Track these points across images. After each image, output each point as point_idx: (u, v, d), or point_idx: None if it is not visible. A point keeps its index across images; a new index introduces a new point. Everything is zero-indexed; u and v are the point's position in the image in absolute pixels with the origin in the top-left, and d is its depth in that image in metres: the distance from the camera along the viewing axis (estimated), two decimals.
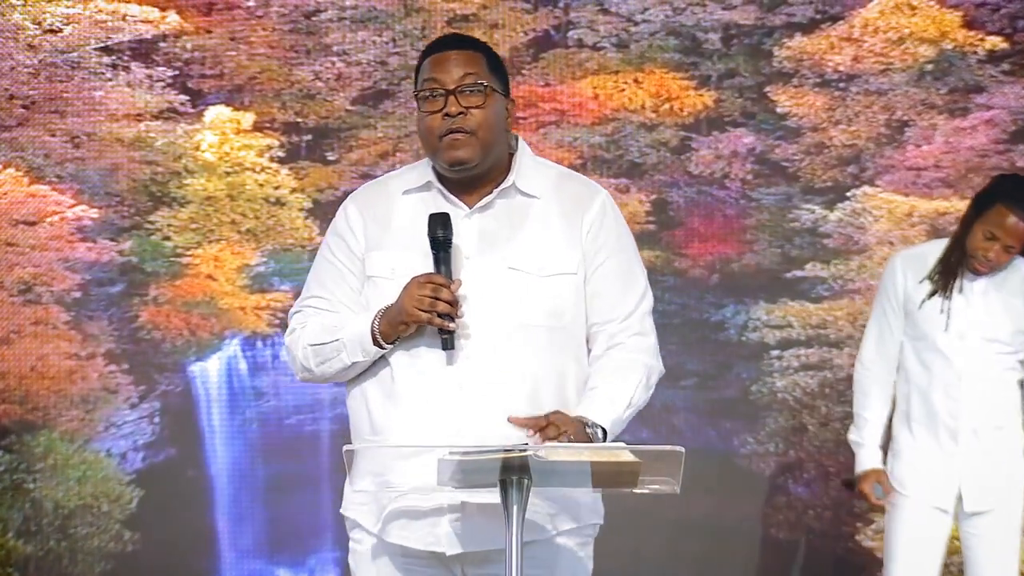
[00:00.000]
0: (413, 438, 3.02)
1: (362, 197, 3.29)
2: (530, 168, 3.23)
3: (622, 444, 2.84)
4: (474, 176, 3.17)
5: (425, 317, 3.03)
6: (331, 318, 3.20)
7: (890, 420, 4.79)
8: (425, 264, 3.11)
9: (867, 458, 4.76)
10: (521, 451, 2.68)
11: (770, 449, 6.06)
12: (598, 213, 3.20)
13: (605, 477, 2.86)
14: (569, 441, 2.94)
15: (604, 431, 3.05)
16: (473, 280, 3.10)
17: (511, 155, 3.23)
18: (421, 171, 3.24)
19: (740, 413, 6.06)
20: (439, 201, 3.18)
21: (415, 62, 3.27)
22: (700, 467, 5.66)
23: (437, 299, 3.03)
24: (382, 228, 3.20)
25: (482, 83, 3.14)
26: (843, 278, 6.04)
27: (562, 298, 3.15)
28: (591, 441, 3.01)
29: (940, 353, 4.63)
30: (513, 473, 2.74)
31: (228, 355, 6.21)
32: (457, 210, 3.16)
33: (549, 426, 2.96)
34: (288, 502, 6.13)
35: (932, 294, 4.65)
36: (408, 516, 3.12)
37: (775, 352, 6.05)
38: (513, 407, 3.06)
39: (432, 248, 3.09)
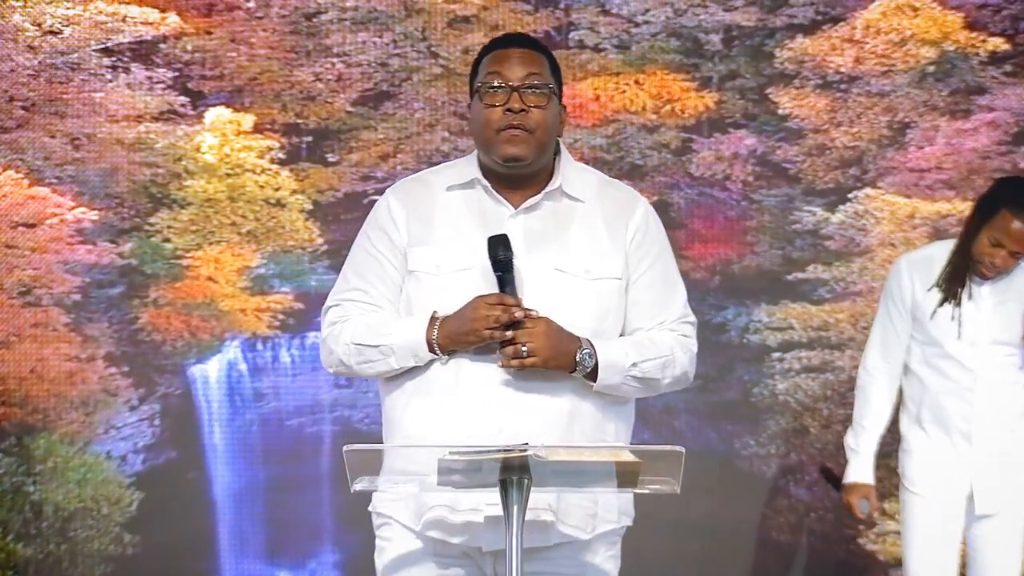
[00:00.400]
0: (454, 436, 3.01)
1: (403, 191, 3.28)
2: (573, 172, 3.26)
3: (622, 444, 2.84)
4: (522, 175, 3.19)
5: (498, 336, 3.04)
6: (375, 316, 3.20)
7: (895, 421, 4.78)
8: (470, 261, 3.12)
9: (859, 469, 4.75)
10: (521, 451, 2.68)
11: (771, 451, 6.05)
12: (642, 221, 3.24)
13: None
14: (527, 353, 3.00)
15: (596, 366, 3.07)
16: (519, 279, 3.10)
17: (554, 159, 3.25)
18: (464, 168, 3.26)
19: (741, 415, 6.05)
20: (484, 199, 3.20)
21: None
22: (701, 469, 5.65)
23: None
24: (425, 224, 3.20)
25: (548, 84, 3.17)
26: (845, 280, 6.03)
27: (606, 302, 3.17)
28: (575, 363, 3.05)
29: (953, 359, 4.60)
30: (513, 473, 2.74)
31: (228, 357, 6.19)
32: (503, 208, 3.18)
33: (514, 335, 3.02)
34: (289, 504, 6.12)
35: (943, 302, 4.62)
36: (449, 513, 3.12)
37: (776, 354, 6.04)
38: (556, 406, 3.08)
39: (495, 270, 3.08)
